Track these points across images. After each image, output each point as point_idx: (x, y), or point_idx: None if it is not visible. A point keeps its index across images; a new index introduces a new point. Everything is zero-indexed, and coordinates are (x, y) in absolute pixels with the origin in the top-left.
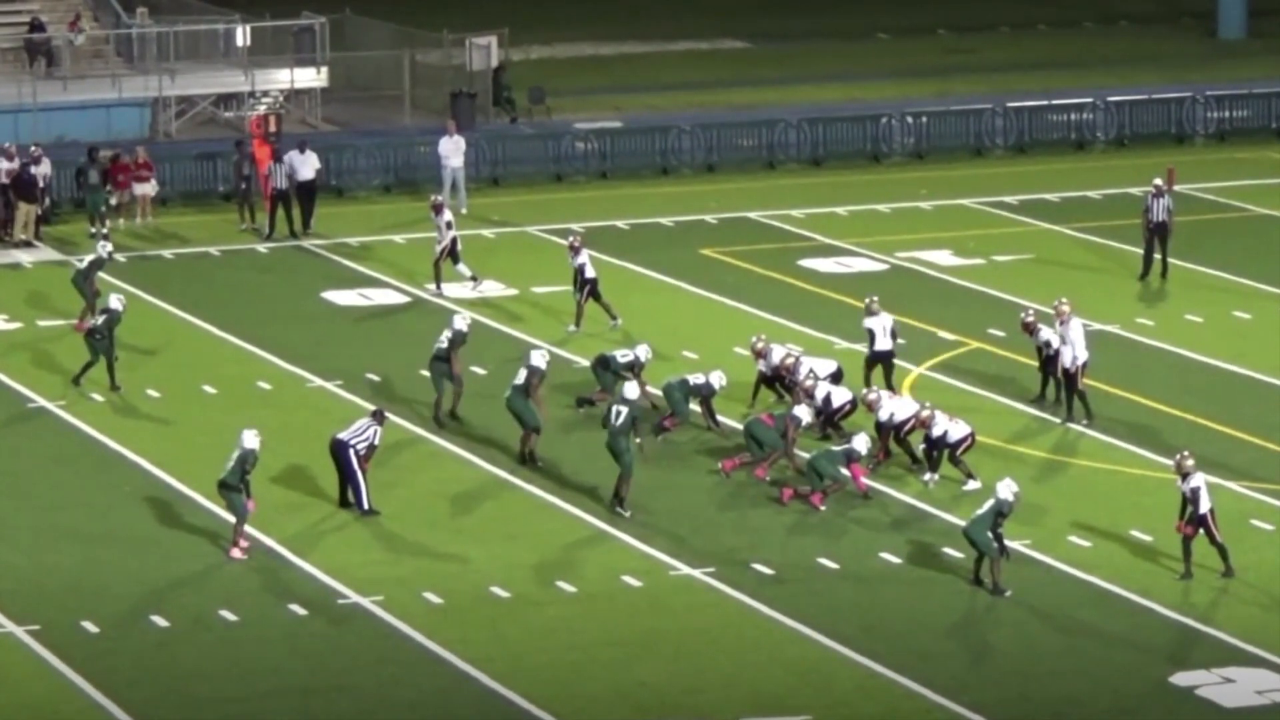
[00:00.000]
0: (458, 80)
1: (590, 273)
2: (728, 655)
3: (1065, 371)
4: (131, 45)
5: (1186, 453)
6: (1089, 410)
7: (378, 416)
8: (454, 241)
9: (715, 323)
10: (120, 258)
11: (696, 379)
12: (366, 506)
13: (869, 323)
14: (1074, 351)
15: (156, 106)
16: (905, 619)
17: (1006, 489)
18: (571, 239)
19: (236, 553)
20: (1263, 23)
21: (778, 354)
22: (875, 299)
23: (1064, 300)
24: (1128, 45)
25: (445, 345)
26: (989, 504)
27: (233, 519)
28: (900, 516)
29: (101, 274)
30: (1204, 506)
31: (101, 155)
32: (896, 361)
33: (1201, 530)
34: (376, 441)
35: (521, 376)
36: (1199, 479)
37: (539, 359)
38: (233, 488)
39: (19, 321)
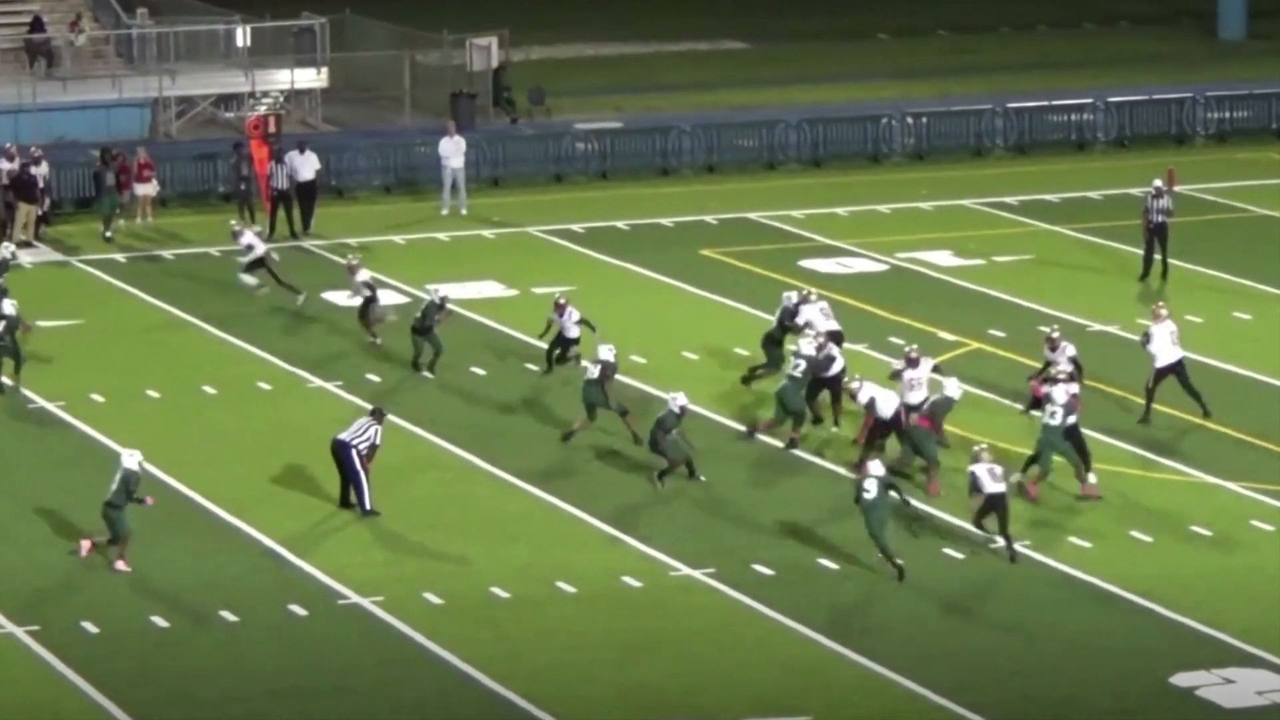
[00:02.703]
0: (458, 81)
1: (572, 333)
2: (728, 656)
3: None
4: (131, 46)
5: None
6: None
7: (377, 415)
8: (367, 302)
9: (715, 323)
10: (120, 258)
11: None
12: (368, 507)
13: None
14: (1155, 353)
15: (156, 107)
16: (906, 619)
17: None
18: (559, 298)
19: (121, 565)
20: (1263, 23)
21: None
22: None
23: (1161, 304)
24: (1128, 46)
25: (420, 315)
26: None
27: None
28: (899, 515)
29: (102, 275)
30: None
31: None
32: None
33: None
34: (378, 441)
35: (595, 371)
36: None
37: (607, 353)
38: (117, 507)
39: None
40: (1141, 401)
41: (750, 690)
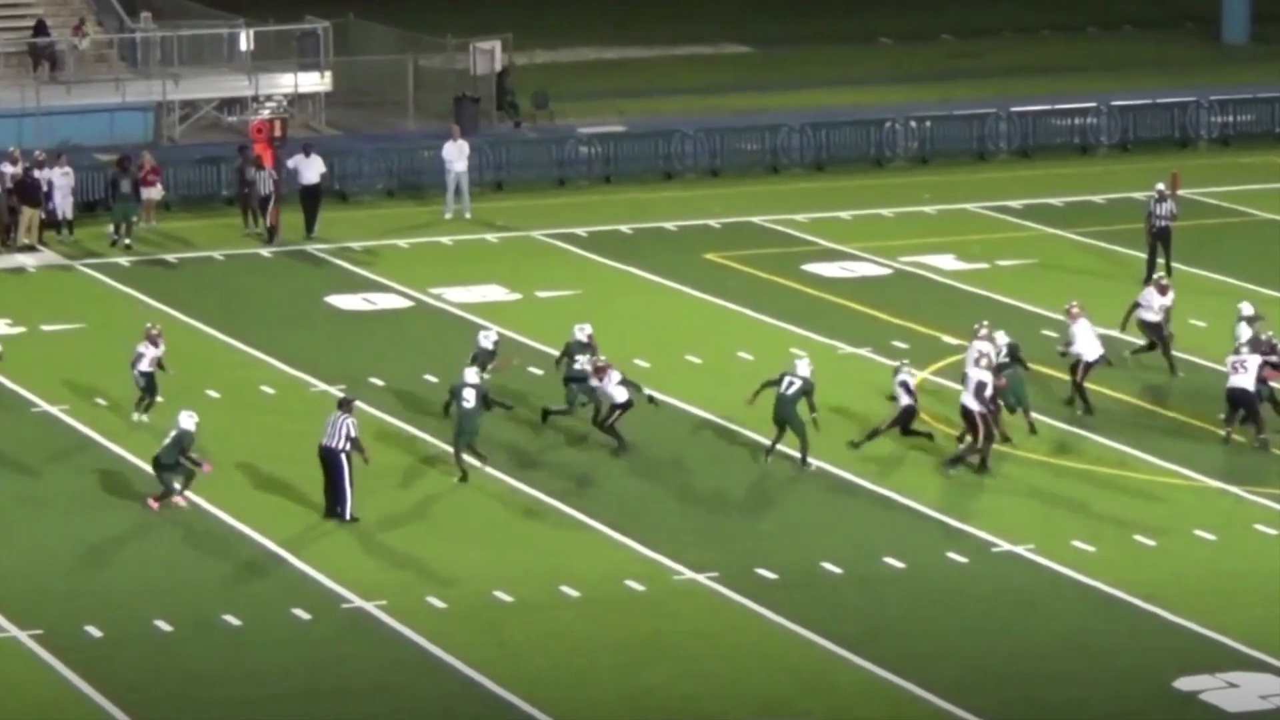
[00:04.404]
0: (461, 85)
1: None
2: (731, 660)
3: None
4: (135, 49)
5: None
6: (1088, 405)
7: (345, 406)
8: None
9: (718, 327)
10: (124, 262)
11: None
12: (349, 515)
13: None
14: (1080, 349)
15: (160, 111)
16: (908, 623)
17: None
18: (601, 361)
19: (153, 503)
20: (1266, 27)
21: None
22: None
23: (1074, 302)
24: (1131, 50)
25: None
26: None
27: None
28: (902, 520)
29: (106, 279)
30: None
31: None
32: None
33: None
34: (354, 432)
35: (793, 387)
36: None
37: (805, 369)
38: (168, 466)
39: (22, 325)
40: (1145, 405)
41: (753, 694)
